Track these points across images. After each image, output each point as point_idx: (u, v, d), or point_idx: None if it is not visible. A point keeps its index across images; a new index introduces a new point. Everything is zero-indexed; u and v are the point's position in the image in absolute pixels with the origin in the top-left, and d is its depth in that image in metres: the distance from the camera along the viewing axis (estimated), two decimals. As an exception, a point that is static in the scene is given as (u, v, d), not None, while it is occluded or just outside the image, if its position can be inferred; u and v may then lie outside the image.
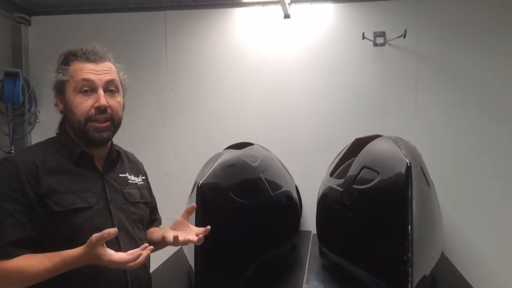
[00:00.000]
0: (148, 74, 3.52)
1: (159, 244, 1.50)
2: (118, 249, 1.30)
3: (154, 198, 1.73)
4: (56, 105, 1.44)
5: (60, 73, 1.37)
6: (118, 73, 1.45)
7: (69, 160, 1.37)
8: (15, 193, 1.24)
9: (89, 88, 1.35)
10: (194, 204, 1.43)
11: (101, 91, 1.35)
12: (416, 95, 3.21)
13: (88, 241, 1.16)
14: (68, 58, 1.38)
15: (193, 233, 1.37)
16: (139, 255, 1.19)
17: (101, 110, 1.35)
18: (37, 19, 3.68)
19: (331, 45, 3.32)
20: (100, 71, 1.37)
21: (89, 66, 1.36)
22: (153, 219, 1.69)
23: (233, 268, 1.84)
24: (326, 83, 3.32)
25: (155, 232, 1.59)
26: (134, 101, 3.39)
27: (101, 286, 1.33)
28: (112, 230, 1.15)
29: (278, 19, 3.39)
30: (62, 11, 3.66)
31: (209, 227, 1.37)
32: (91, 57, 1.37)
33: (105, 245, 1.17)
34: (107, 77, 1.38)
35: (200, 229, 1.38)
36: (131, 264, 1.18)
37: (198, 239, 1.34)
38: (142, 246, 1.22)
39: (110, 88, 1.39)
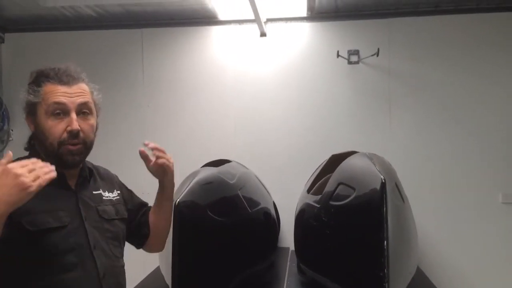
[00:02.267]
0: (125, 91, 3.51)
1: (163, 206, 1.66)
2: (94, 266, 1.32)
3: (138, 198, 1.74)
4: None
5: (32, 94, 1.34)
6: (92, 94, 1.43)
7: None
8: None
9: (61, 111, 1.33)
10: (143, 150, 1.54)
11: (73, 115, 1.33)
12: (390, 112, 3.28)
13: None
14: (40, 79, 1.35)
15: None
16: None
17: (74, 134, 1.33)
18: (11, 36, 3.64)
19: (306, 63, 3.37)
20: (73, 93, 1.34)
21: (62, 89, 1.33)
22: (144, 211, 1.70)
23: (211, 286, 1.82)
24: (302, 100, 3.37)
25: (153, 211, 1.68)
26: (111, 119, 3.36)
27: None
28: (8, 155, 1.14)
29: (255, 37, 3.44)
30: (36, 28, 3.62)
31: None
32: (64, 78, 1.35)
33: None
34: (79, 100, 1.35)
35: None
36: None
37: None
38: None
39: (83, 110, 1.37)
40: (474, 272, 3.14)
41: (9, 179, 1.09)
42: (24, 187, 1.09)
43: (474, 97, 3.21)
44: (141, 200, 1.75)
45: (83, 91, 1.38)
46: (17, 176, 1.09)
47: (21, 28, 3.64)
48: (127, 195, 1.68)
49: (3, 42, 3.63)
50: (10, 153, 1.14)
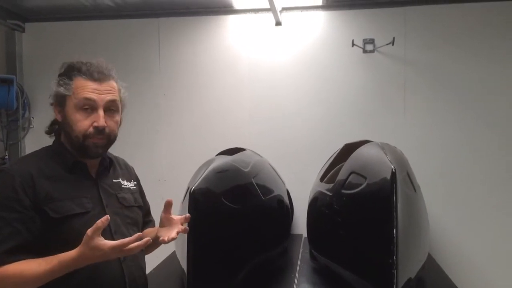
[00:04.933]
0: (142, 80, 3.56)
1: (155, 244, 1.55)
2: None
3: (147, 201, 1.78)
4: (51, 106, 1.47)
5: (62, 86, 1.39)
6: (119, 91, 1.48)
7: (64, 168, 1.41)
8: (11, 202, 1.28)
9: (90, 107, 1.38)
10: (171, 200, 1.47)
11: (101, 112, 1.39)
12: (404, 101, 3.27)
13: (84, 237, 1.20)
14: (71, 72, 1.40)
15: (176, 226, 1.42)
16: (136, 239, 1.23)
17: (100, 130, 1.39)
18: (31, 25, 3.71)
19: (321, 52, 3.38)
20: (102, 91, 1.40)
21: (92, 85, 1.39)
22: (147, 221, 1.74)
23: (224, 271, 1.88)
24: (316, 89, 3.38)
25: (149, 233, 1.65)
26: (128, 107, 3.43)
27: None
28: (104, 218, 1.20)
29: (270, 26, 3.45)
30: (56, 18, 3.69)
31: (188, 215, 1.44)
32: (95, 75, 1.40)
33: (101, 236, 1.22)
34: (108, 97, 1.41)
35: (181, 219, 1.44)
36: (131, 246, 1.21)
37: (183, 230, 1.40)
38: (135, 235, 1.23)
39: (110, 107, 1.43)
40: (486, 261, 3.15)
41: (89, 251, 1.22)
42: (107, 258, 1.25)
43: (490, 87, 3.18)
44: (149, 208, 1.79)
45: (112, 89, 1.44)
46: (99, 248, 1.21)
47: (41, 17, 3.71)
48: (142, 193, 1.74)
49: (24, 31, 3.70)
50: (107, 216, 1.22)
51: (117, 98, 1.45)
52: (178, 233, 1.38)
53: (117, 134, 1.49)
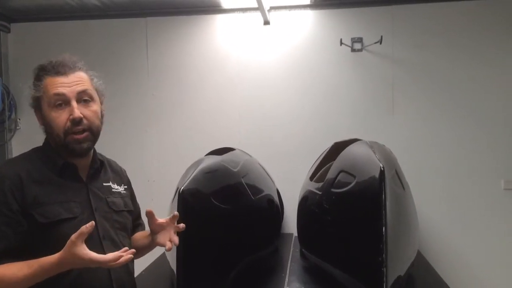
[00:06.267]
0: (130, 80, 3.54)
1: (147, 246, 1.58)
2: None
3: (138, 205, 1.76)
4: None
5: (34, 89, 1.39)
6: (92, 81, 1.46)
7: (53, 171, 1.39)
8: None
9: (62, 101, 1.37)
10: (150, 210, 1.46)
11: (74, 103, 1.37)
12: (393, 99, 3.29)
13: (68, 242, 1.18)
14: (40, 74, 1.40)
15: (169, 227, 1.46)
16: (120, 256, 1.21)
17: (76, 121, 1.37)
18: (17, 26, 3.67)
19: (310, 51, 3.38)
20: (71, 83, 1.38)
21: (59, 80, 1.37)
22: (137, 224, 1.73)
23: (215, 272, 1.87)
24: (305, 88, 3.39)
25: (139, 238, 1.64)
26: (116, 107, 3.41)
27: None
28: (89, 224, 1.19)
29: (258, 25, 3.44)
30: (42, 18, 3.64)
31: (176, 213, 1.46)
32: (60, 69, 1.38)
33: (85, 244, 1.20)
34: (78, 88, 1.39)
35: (171, 219, 1.46)
36: (112, 263, 1.20)
37: (181, 227, 1.46)
38: (122, 249, 1.24)
39: (83, 98, 1.40)
40: (475, 257, 3.18)
41: (71, 256, 1.19)
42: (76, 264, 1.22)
43: (477, 85, 3.21)
44: (139, 211, 1.76)
45: (81, 79, 1.41)
46: (80, 257, 1.19)
47: (27, 18, 3.67)
48: (132, 197, 1.72)
49: (9, 32, 3.66)
50: (92, 222, 1.21)
51: (89, 87, 1.43)
52: (175, 232, 1.44)
53: (100, 125, 1.46)
